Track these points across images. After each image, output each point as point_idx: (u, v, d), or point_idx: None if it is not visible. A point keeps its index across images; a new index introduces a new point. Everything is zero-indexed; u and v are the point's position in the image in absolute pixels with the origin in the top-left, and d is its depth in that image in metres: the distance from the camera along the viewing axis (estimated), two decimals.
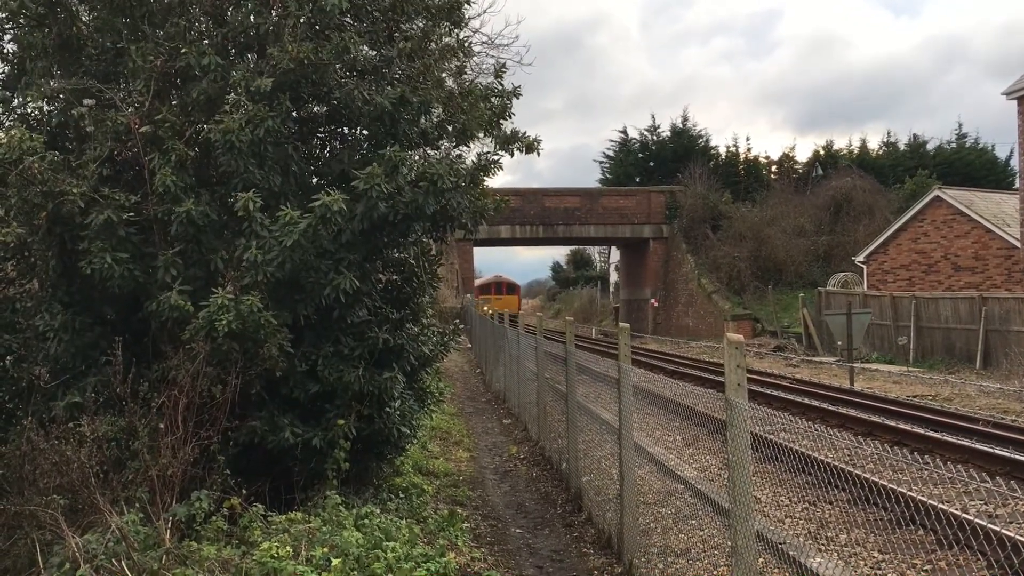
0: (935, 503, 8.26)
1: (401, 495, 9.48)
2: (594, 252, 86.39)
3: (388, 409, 8.62)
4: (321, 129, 9.18)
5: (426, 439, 13.30)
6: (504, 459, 14.03)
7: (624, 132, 61.43)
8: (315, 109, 8.95)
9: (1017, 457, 11.64)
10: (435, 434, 14.98)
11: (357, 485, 8.88)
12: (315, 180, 8.73)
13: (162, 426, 6.81)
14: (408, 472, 10.84)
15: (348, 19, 8.40)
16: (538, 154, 9.53)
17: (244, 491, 7.04)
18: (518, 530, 9.58)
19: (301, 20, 7.80)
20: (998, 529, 7.53)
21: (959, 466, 10.13)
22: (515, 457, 14.05)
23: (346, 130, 9.11)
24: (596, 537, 8.92)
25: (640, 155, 60.03)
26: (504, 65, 9.74)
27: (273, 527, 6.49)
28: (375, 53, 8.67)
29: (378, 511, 7.40)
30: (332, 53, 7.84)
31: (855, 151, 58.05)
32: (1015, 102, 29.47)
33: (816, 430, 5.24)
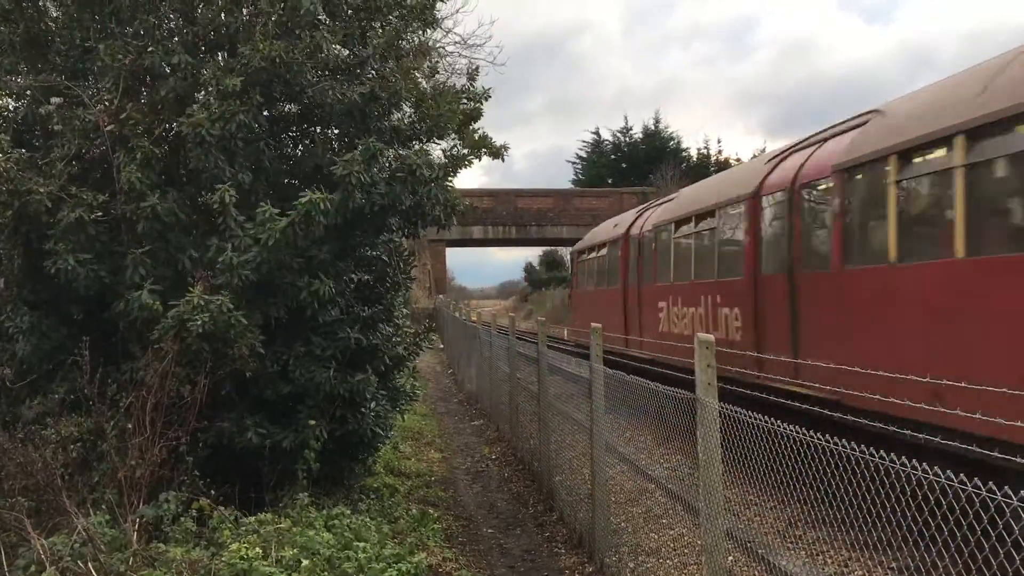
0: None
1: (373, 496, 9.45)
2: (566, 253, 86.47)
3: (363, 410, 8.58)
4: (293, 128, 9.13)
5: (398, 439, 13.26)
6: (476, 459, 14.01)
7: (596, 133, 61.72)
8: (287, 108, 8.91)
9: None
10: (407, 434, 14.94)
11: (329, 486, 8.83)
12: (287, 180, 8.69)
13: (130, 427, 6.74)
14: (380, 472, 10.81)
15: (321, 17, 8.37)
16: (503, 159, 9.58)
17: (213, 492, 6.99)
18: (490, 530, 9.58)
19: (273, 18, 7.76)
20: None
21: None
22: (487, 457, 14.04)
23: (318, 129, 9.07)
24: (568, 537, 8.94)
25: (613, 156, 60.30)
26: (477, 68, 9.81)
27: (243, 528, 6.44)
28: (348, 52, 8.64)
29: (349, 512, 7.37)
30: (304, 52, 7.80)
31: None
32: None
33: (786, 428, 5.28)
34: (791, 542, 8.09)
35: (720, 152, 60.58)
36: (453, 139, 9.25)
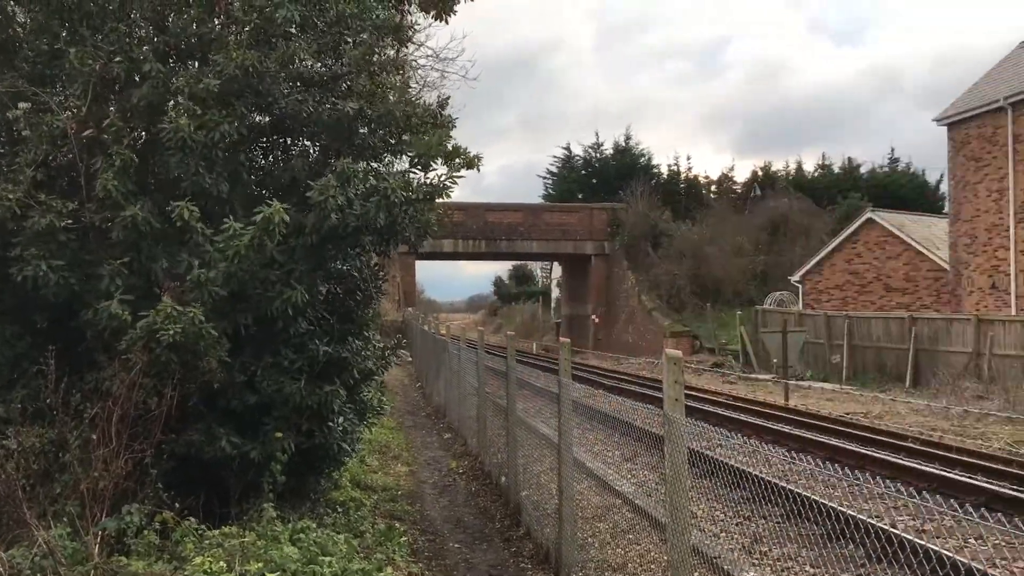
0: (865, 518, 8.46)
1: (339, 509, 9.38)
2: (536, 268, 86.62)
3: (330, 424, 8.53)
4: (264, 139, 9.08)
5: (365, 452, 13.18)
6: (443, 473, 13.98)
7: (567, 149, 61.93)
8: (257, 119, 8.86)
9: (944, 473, 11.99)
10: (374, 448, 14.86)
11: (294, 499, 8.76)
12: (259, 191, 8.63)
13: (94, 438, 6.66)
14: (346, 486, 10.74)
15: (294, 29, 8.35)
16: (478, 170, 9.52)
17: (178, 505, 6.91)
18: (456, 545, 9.55)
19: (246, 29, 7.74)
20: (925, 544, 7.74)
21: (888, 481, 10.39)
22: (454, 472, 14.01)
23: (288, 141, 9.03)
24: (534, 552, 8.93)
25: (583, 172, 60.53)
26: (448, 98, 9.69)
27: (207, 542, 6.38)
28: (321, 65, 8.62)
29: (315, 525, 7.32)
30: (278, 61, 7.78)
31: (792, 172, 59.28)
32: (945, 128, 30.55)
33: (751, 446, 5.33)
34: (756, 558, 8.16)
35: (690, 169, 61.15)
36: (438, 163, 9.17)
